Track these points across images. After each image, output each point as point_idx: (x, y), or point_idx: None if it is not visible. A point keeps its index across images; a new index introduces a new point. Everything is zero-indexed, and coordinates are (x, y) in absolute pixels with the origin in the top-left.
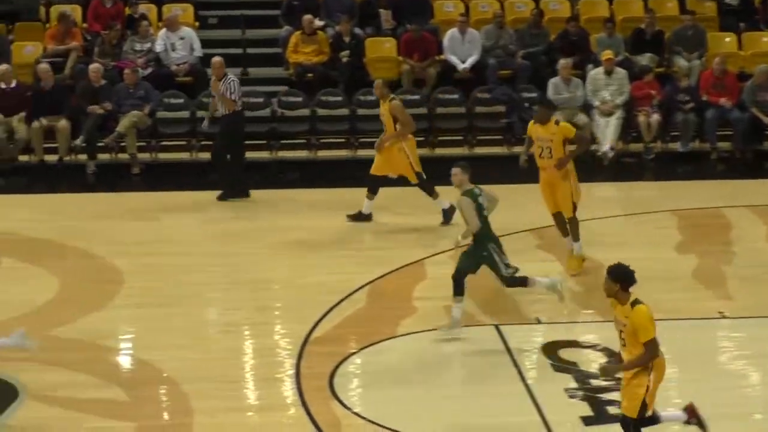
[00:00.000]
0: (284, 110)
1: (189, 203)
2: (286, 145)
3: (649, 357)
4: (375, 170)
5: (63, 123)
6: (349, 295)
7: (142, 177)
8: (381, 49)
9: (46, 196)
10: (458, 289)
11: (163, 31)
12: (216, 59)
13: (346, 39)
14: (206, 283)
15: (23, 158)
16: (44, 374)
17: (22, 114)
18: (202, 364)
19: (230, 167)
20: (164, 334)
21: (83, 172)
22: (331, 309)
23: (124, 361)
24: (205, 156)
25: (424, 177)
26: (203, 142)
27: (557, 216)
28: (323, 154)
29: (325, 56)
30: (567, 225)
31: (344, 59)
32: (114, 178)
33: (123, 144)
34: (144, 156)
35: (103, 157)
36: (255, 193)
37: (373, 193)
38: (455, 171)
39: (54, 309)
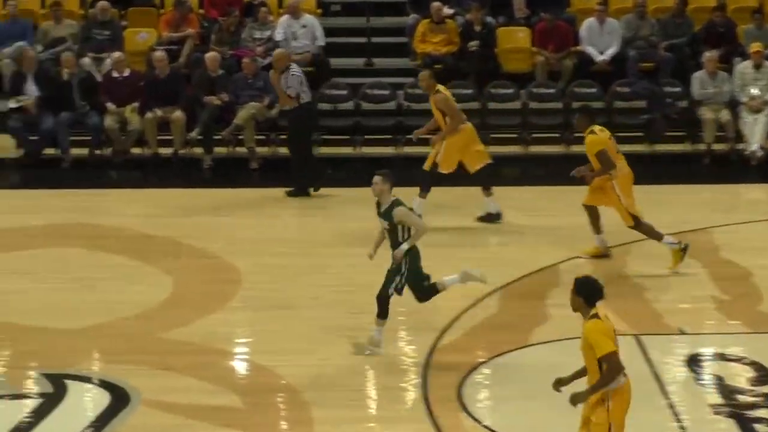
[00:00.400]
0: (411, 103)
1: (310, 200)
2: (411, 141)
3: (612, 372)
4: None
5: (178, 114)
6: (480, 300)
7: (261, 172)
8: (514, 39)
9: (160, 191)
10: (438, 291)
11: (285, 17)
12: (278, 51)
13: (477, 28)
14: (327, 284)
15: (136, 151)
16: (157, 379)
17: (135, 104)
18: (322, 371)
19: (293, 163)
20: (282, 338)
21: (199, 167)
22: (460, 315)
23: (240, 367)
24: (326, 150)
25: (433, 172)
26: (324, 136)
27: (589, 208)
28: None
29: (455, 46)
30: (598, 221)
31: (474, 49)
32: (231, 173)
33: (241, 137)
34: (263, 150)
35: (220, 150)
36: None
37: (487, 189)
38: (375, 180)
39: (167, 310)
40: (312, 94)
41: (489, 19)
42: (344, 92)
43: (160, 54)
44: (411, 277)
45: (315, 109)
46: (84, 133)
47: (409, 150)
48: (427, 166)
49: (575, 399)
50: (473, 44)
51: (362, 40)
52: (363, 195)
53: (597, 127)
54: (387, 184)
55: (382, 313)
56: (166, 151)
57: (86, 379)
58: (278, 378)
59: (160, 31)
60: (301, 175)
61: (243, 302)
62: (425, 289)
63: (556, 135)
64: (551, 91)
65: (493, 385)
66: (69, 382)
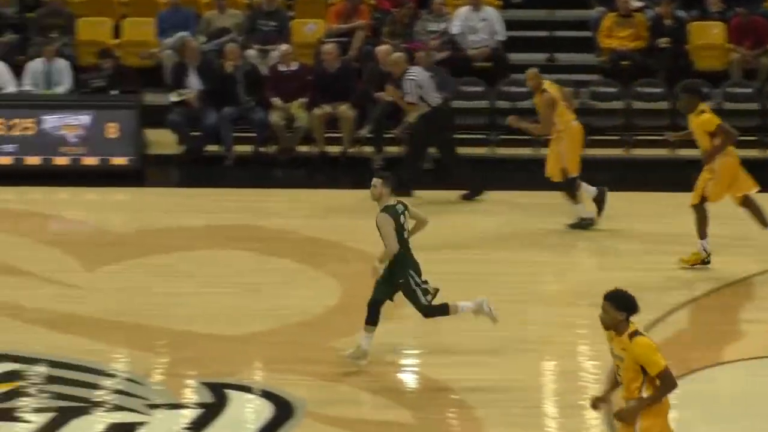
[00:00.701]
0: (595, 102)
1: (485, 203)
2: (596, 142)
3: (666, 389)
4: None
5: (347, 110)
6: (667, 313)
7: (433, 173)
8: (707, 34)
9: (327, 192)
10: (371, 318)
11: (463, 9)
12: (394, 56)
13: (667, 22)
14: (503, 293)
15: (303, 148)
16: (323, 390)
17: (303, 99)
18: (497, 385)
19: (453, 169)
20: (456, 350)
21: (368, 166)
22: (646, 329)
23: (411, 379)
24: (504, 151)
25: (572, 177)
26: (502, 136)
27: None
28: (639, 152)
29: (643, 42)
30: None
31: (664, 46)
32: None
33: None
34: (435, 150)
35: (391, 149)
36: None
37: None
38: (375, 182)
39: (335, 318)
40: (493, 92)
41: (680, 12)
42: (524, 89)
43: (329, 46)
44: (385, 286)
45: (449, 109)
46: (248, 130)
47: (591, 152)
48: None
49: (623, 416)
50: (663, 41)
51: (544, 33)
52: (541, 200)
53: (706, 106)
54: (386, 188)
55: (443, 312)
56: (334, 149)
57: (248, 389)
58: (451, 392)
59: (329, 22)
60: (467, 177)
61: (413, 311)
62: (374, 306)
63: (754, 138)
64: (747, 90)
65: (679, 405)
66: (230, 392)
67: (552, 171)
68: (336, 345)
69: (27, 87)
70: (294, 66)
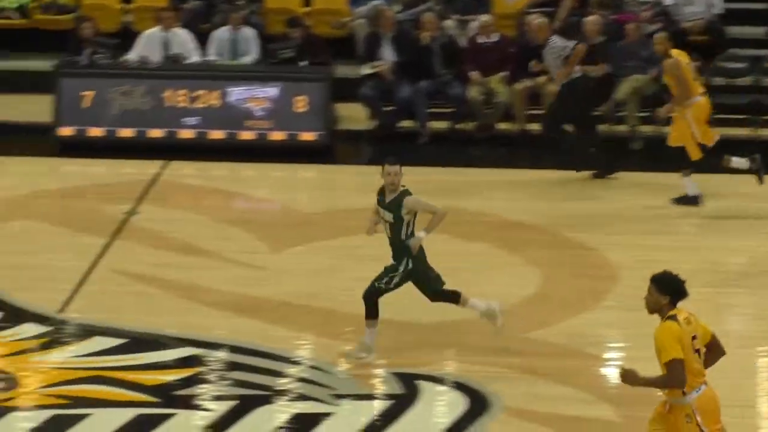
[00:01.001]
0: None
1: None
2: None
3: (669, 380)
4: (670, 141)
5: (551, 86)
6: None
7: (643, 154)
8: None
9: (528, 172)
10: (457, 301)
11: None
12: (537, 22)
13: None
14: (717, 285)
15: (503, 126)
16: (519, 384)
17: (503, 73)
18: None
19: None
20: None
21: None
22: None
23: (613, 374)
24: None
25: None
26: (717, 115)
27: None
28: None
29: None
30: None
31: None
32: (608, 155)
33: (622, 114)
34: (647, 129)
35: (600, 128)
36: (741, 180)
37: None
38: (394, 170)
39: (533, 307)
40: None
41: None
42: (742, 65)
43: (536, 17)
44: (418, 278)
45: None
46: (444, 105)
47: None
48: (694, 154)
49: (626, 376)
50: None
51: (765, 6)
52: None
53: None
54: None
55: (370, 312)
56: (536, 127)
57: (440, 381)
58: (656, 389)
59: None
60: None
61: (618, 301)
62: (436, 291)
63: None
64: None
65: None
66: (421, 383)
67: (675, 141)
68: (533, 336)
69: (212, 57)
70: (494, 37)
